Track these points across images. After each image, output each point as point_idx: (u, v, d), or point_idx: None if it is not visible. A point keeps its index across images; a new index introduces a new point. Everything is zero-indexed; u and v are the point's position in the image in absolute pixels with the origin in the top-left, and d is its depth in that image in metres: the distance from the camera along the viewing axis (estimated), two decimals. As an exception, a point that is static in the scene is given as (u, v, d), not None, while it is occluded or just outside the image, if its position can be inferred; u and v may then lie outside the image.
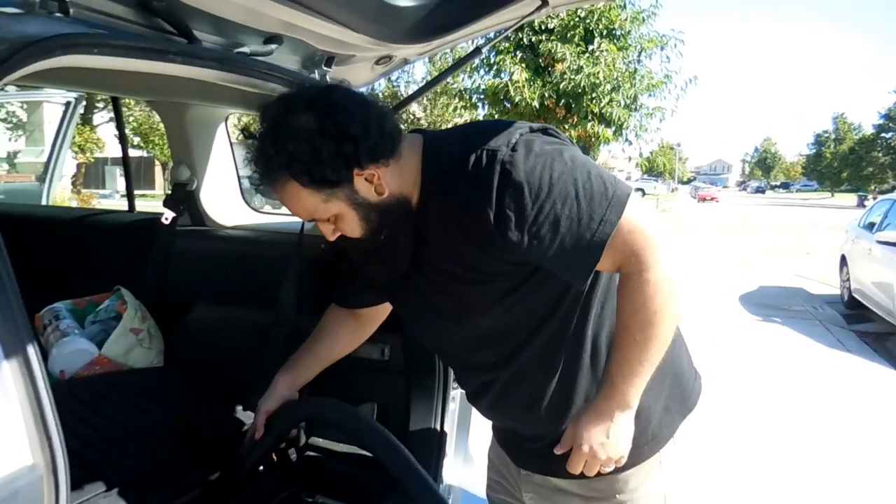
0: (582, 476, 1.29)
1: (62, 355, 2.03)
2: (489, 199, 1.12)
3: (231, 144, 2.76)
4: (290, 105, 1.16)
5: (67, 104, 4.60)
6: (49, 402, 0.91)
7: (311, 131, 1.12)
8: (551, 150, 1.15)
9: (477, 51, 2.15)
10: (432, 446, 1.94)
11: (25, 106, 12.54)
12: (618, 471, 1.30)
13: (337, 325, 1.60)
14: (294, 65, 1.80)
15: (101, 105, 17.98)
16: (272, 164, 1.15)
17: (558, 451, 1.27)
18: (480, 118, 12.83)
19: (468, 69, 12.42)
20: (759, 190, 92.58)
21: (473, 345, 1.33)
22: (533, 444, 1.41)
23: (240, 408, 2.02)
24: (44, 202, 4.69)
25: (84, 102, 7.20)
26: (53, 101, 5.23)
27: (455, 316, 1.30)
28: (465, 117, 13.34)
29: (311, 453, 2.01)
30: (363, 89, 2.24)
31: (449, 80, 13.05)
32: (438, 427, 1.96)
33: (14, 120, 15.15)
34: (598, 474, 1.28)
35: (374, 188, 1.18)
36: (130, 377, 2.06)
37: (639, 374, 1.19)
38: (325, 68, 1.83)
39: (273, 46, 1.59)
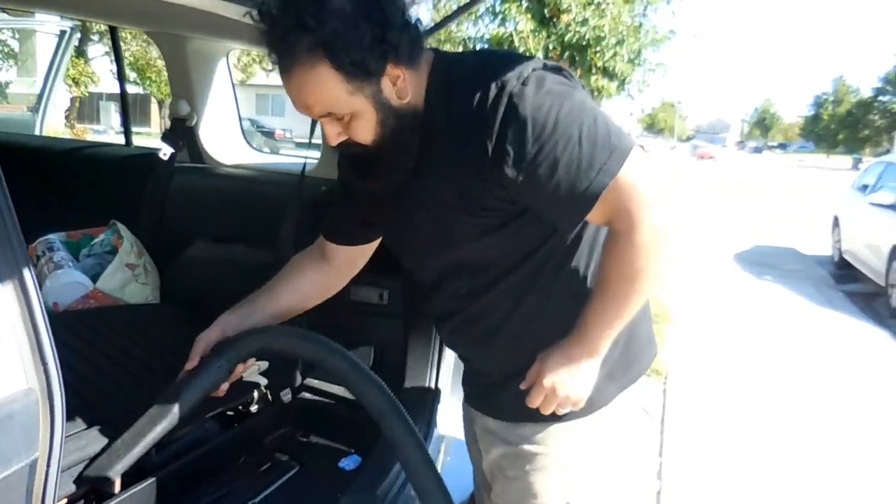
0: (511, 419, 1.34)
1: (56, 287, 2.01)
2: (491, 131, 1.08)
3: (232, 82, 2.70)
4: None
5: (62, 33, 4.50)
6: (45, 328, 0.90)
7: (356, 13, 1.04)
8: (561, 90, 1.11)
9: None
10: (428, 389, 1.95)
11: (17, 35, 12.26)
12: (544, 421, 1.30)
13: (307, 265, 1.45)
14: None
15: (95, 38, 17.59)
16: (306, 40, 1.04)
17: (524, 386, 1.26)
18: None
19: (473, 16, 12.18)
20: (757, 150, 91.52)
21: (449, 272, 1.31)
22: (480, 380, 1.43)
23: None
24: (37, 133, 4.61)
25: (79, 34, 7.04)
26: (47, 31, 5.11)
27: (436, 241, 1.27)
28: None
29: (307, 395, 2.02)
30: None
31: (453, 28, 12.80)
32: (435, 371, 1.96)
33: (5, 49, 14.83)
34: (553, 416, 1.27)
35: (396, 91, 1.13)
36: (127, 313, 2.05)
37: (611, 325, 1.19)
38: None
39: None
